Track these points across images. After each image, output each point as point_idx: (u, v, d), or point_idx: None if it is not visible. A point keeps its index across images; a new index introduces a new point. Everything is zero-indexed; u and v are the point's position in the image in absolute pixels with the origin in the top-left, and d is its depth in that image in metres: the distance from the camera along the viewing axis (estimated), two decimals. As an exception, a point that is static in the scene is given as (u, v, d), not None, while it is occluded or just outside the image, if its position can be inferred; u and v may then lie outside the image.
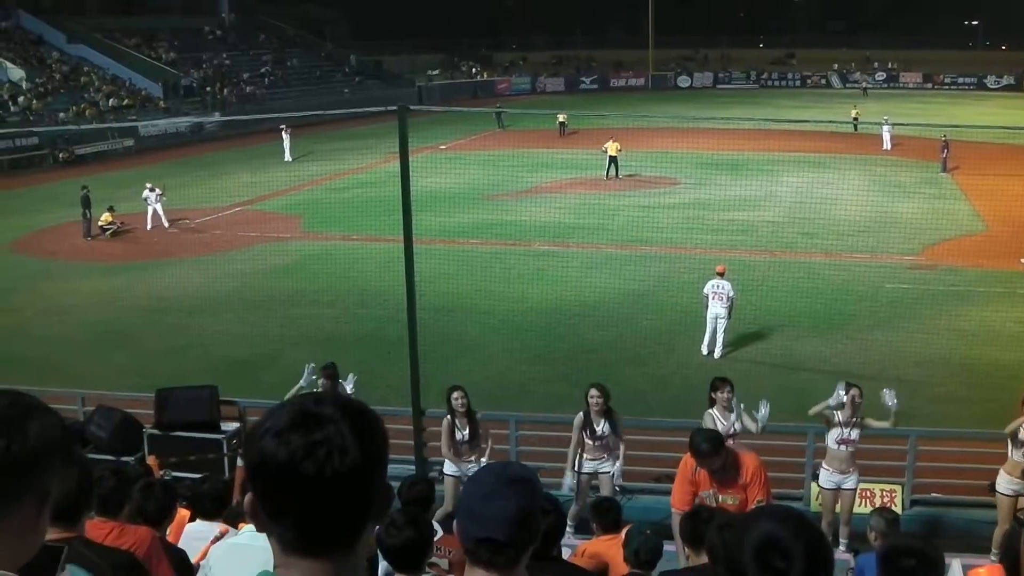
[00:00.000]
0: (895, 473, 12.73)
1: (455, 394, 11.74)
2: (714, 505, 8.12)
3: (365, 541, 1.97)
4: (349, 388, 12.57)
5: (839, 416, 11.23)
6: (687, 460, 8.35)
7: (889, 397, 11.00)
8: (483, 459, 11.74)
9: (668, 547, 6.93)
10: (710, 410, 11.55)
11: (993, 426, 11.66)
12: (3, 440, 1.85)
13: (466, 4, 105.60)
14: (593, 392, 11.62)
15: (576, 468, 11.78)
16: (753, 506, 8.12)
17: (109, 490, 6.06)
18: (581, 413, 11.72)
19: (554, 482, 11.78)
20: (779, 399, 16.30)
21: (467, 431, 11.77)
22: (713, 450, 7.96)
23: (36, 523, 1.94)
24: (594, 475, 11.88)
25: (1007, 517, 11.09)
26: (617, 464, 11.78)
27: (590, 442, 11.70)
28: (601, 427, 11.65)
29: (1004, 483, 11.14)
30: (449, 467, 11.94)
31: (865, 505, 11.70)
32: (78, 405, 14.33)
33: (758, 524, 2.43)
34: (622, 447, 11.82)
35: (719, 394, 11.49)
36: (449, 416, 11.81)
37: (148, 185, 33.13)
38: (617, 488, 11.81)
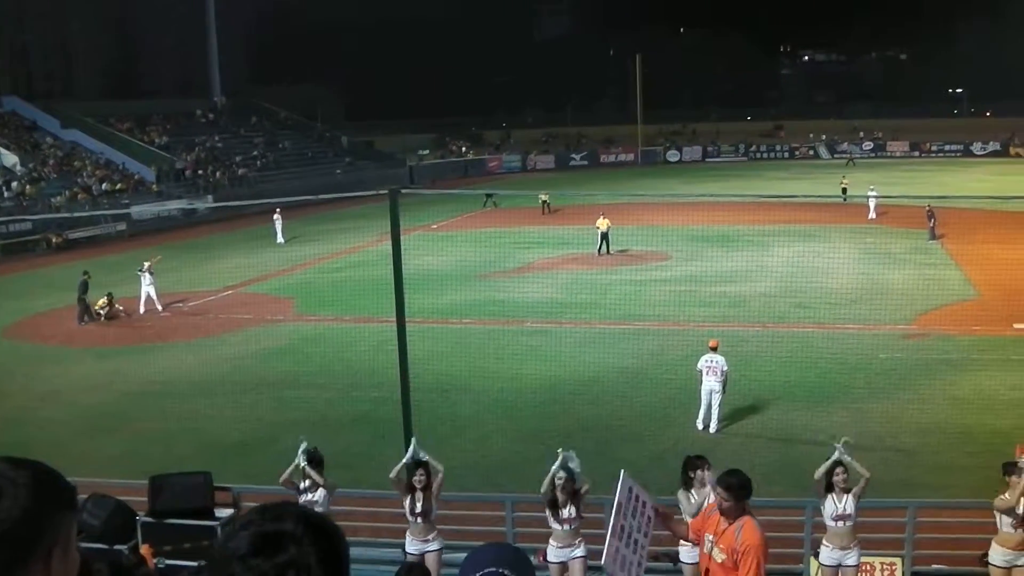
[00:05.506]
0: (895, 545, 12.60)
1: (419, 470, 11.64)
2: (708, 553, 8.13)
3: None
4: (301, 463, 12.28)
5: (832, 495, 11.08)
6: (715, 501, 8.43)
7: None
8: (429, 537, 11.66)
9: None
10: (685, 491, 11.29)
11: (992, 494, 11.57)
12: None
13: (456, 83, 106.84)
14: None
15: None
16: None
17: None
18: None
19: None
20: (776, 472, 16.31)
21: (420, 506, 11.61)
22: (729, 484, 7.93)
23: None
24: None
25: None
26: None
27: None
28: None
29: (997, 555, 11.00)
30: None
31: (866, 580, 11.58)
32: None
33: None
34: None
35: (700, 473, 11.19)
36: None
37: (147, 264, 32.93)
38: None
